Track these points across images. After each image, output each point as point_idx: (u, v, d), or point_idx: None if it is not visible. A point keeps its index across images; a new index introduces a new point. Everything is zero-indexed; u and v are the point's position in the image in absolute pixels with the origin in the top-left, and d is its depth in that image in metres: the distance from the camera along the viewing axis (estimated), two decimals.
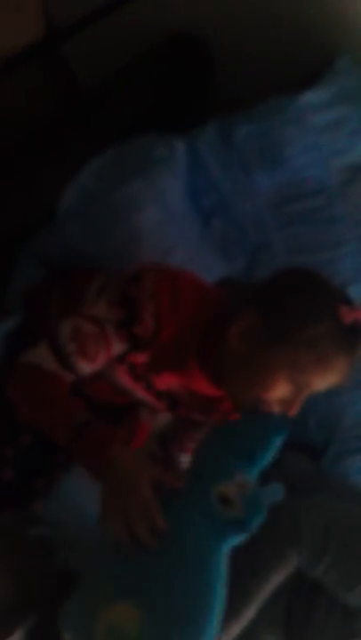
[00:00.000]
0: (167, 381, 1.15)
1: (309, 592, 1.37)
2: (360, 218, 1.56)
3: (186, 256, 1.54)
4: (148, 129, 1.55)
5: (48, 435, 1.02)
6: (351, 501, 1.48)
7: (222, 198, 1.59)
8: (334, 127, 1.47)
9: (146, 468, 0.96)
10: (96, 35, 1.78)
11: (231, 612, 1.29)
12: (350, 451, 1.76)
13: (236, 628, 1.34)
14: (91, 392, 1.22)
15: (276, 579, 1.34)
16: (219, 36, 1.69)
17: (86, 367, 1.06)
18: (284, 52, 1.66)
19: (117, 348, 1.08)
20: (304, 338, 1.00)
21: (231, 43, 1.69)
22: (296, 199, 1.56)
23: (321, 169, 1.51)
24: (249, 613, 1.35)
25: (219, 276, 1.64)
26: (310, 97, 1.45)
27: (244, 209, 1.59)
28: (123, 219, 1.47)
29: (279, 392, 1.03)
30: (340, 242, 1.57)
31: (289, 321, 1.02)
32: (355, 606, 1.35)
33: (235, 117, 1.53)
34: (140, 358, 1.11)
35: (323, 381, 1.04)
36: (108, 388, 1.23)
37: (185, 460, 1.32)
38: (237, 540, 1.00)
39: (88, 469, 0.97)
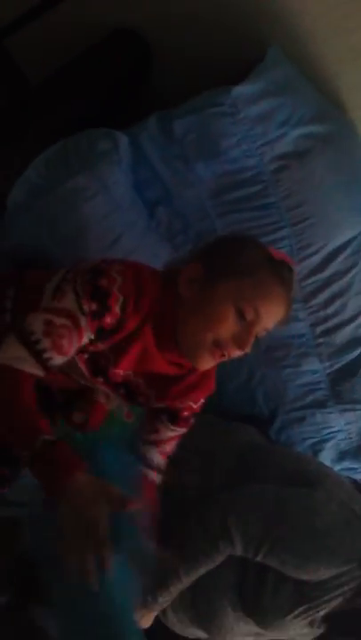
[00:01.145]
0: (125, 368, 1.16)
1: (257, 564, 1.39)
2: (293, 204, 1.58)
3: (133, 245, 1.56)
4: (93, 123, 1.54)
5: (4, 434, 0.98)
6: (289, 478, 1.49)
7: (165, 189, 1.60)
8: (266, 118, 1.48)
9: (105, 495, 0.89)
10: (41, 31, 1.78)
11: (161, 585, 1.36)
12: (294, 421, 1.82)
13: (166, 600, 1.38)
14: (47, 380, 1.20)
15: (206, 568, 1.37)
16: (156, 34, 1.71)
17: (60, 360, 1.04)
18: (219, 47, 1.67)
19: (86, 338, 1.08)
20: (240, 268, 1.09)
21: (169, 39, 1.70)
22: (234, 188, 1.56)
23: (255, 158, 1.52)
24: (176, 591, 1.38)
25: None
26: (243, 89, 1.46)
27: (187, 199, 1.60)
28: (70, 211, 1.47)
29: (230, 327, 1.07)
30: (276, 227, 1.59)
31: (226, 259, 1.12)
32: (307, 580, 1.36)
33: (174, 111, 1.53)
34: (100, 347, 1.11)
35: (267, 312, 1.09)
36: (63, 377, 1.23)
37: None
38: None
39: (43, 487, 0.92)
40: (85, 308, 1.04)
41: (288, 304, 1.13)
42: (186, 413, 1.30)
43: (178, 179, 1.59)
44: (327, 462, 1.84)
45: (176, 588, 1.40)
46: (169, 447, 1.34)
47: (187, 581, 1.39)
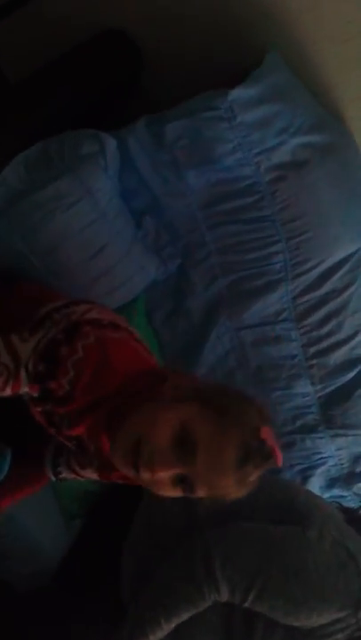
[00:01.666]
0: (78, 433, 1.07)
1: (246, 612, 1.28)
2: (290, 217, 1.47)
3: (117, 256, 1.45)
4: (78, 125, 1.42)
5: None
6: (277, 512, 1.40)
7: (154, 198, 1.50)
8: (264, 125, 1.38)
9: None
10: (23, 29, 1.67)
11: (140, 632, 1.25)
12: (282, 446, 1.70)
13: None
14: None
15: (189, 614, 1.26)
16: (149, 35, 1.60)
17: None
18: (215, 50, 1.57)
19: (26, 390, 1.04)
20: (224, 408, 0.95)
21: (161, 41, 1.60)
22: (227, 198, 1.46)
23: (251, 168, 1.41)
24: (156, 638, 1.27)
25: (152, 277, 1.56)
26: (240, 93, 1.35)
27: (176, 209, 1.50)
28: (49, 219, 1.35)
29: (160, 437, 0.92)
30: (271, 241, 1.49)
31: (218, 393, 0.99)
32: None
33: (165, 114, 1.42)
34: (58, 410, 1.04)
35: (207, 462, 0.92)
36: None
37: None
38: None
39: None
40: (30, 365, 1.01)
41: (233, 482, 0.93)
42: None
43: (167, 187, 1.48)
44: (316, 489, 1.75)
45: (155, 636, 1.28)
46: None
47: (167, 628, 1.27)
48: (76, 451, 1.14)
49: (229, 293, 1.57)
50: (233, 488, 0.93)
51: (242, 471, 0.91)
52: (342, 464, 1.75)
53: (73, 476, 1.24)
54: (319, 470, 1.76)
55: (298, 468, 1.75)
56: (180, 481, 0.90)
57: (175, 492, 0.92)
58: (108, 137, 1.41)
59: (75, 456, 1.20)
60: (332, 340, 1.62)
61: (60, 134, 1.42)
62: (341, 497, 1.79)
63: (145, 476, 0.90)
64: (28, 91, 1.48)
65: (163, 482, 0.91)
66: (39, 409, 1.07)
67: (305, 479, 1.75)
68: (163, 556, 1.35)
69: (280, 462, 0.98)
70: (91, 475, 1.18)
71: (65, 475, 1.24)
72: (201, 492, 0.92)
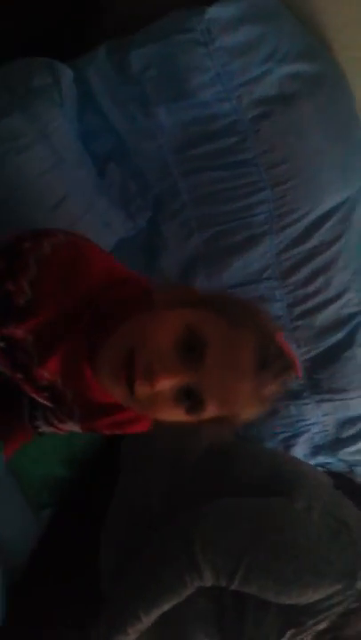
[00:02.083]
0: (51, 370, 0.89)
1: (236, 593, 1.17)
2: (275, 160, 1.29)
3: (78, 211, 1.27)
4: (27, 53, 1.21)
5: None
6: (263, 483, 1.29)
7: (119, 141, 1.30)
8: (247, 50, 1.18)
9: None
10: None
11: (118, 628, 1.16)
12: (263, 414, 1.61)
13: None
14: None
15: (170, 604, 1.15)
16: None
17: None
18: None
19: None
20: (229, 311, 0.80)
21: None
22: (204, 140, 1.27)
23: (231, 103, 1.22)
24: (136, 633, 1.17)
25: (120, 235, 1.37)
26: (218, 11, 1.14)
27: (145, 153, 1.30)
28: (2, 161, 1.16)
29: (161, 340, 0.77)
30: (254, 189, 1.31)
31: (224, 301, 0.85)
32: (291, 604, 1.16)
33: (130, 40, 1.21)
34: (19, 333, 0.87)
35: (218, 366, 0.76)
36: None
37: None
38: None
39: None
40: None
41: (248, 393, 0.78)
42: (106, 433, 1.03)
43: (134, 127, 1.28)
44: (300, 457, 1.65)
45: (135, 629, 1.17)
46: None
47: (147, 621, 1.16)
48: (53, 404, 0.97)
49: (207, 250, 1.39)
50: (247, 401, 0.77)
51: (260, 378, 0.76)
52: (327, 430, 1.64)
53: (52, 429, 1.08)
54: (303, 438, 1.64)
55: (281, 436, 1.63)
56: (186, 395, 0.75)
57: (178, 414, 0.76)
58: (64, 67, 1.20)
59: (52, 411, 1.03)
60: (320, 298, 1.47)
61: (4, 64, 1.20)
62: (327, 464, 1.70)
63: (142, 392, 0.73)
64: None
65: (164, 398, 0.75)
66: (2, 344, 0.89)
67: (288, 448, 1.64)
68: (143, 540, 1.23)
69: (300, 373, 0.87)
70: (72, 427, 1.01)
71: (44, 429, 1.08)
72: (210, 408, 0.75)
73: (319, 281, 1.44)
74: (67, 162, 1.24)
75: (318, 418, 1.61)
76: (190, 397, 0.74)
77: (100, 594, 1.28)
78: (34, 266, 0.83)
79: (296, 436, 1.63)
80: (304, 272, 1.43)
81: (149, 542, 1.22)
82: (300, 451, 1.65)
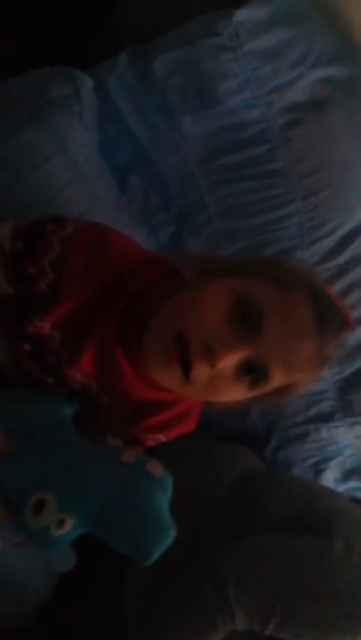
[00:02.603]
0: (83, 369, 0.82)
1: (269, 638, 1.10)
2: (306, 171, 1.23)
3: None
4: (46, 62, 1.15)
5: None
6: (297, 519, 1.22)
7: (141, 152, 1.24)
8: (277, 54, 1.12)
9: None
10: None
11: None
12: (294, 438, 1.53)
13: None
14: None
15: None
16: None
17: None
18: None
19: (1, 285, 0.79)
20: (275, 275, 0.78)
21: None
22: (231, 150, 1.21)
23: (261, 110, 1.16)
24: None
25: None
26: (247, 14, 1.08)
27: (169, 165, 1.24)
28: (15, 179, 1.10)
29: (212, 317, 0.72)
30: (283, 200, 1.25)
31: (266, 264, 0.85)
32: None
33: (152, 45, 1.15)
34: (44, 329, 0.80)
35: (278, 334, 0.72)
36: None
37: None
38: None
39: None
40: (6, 244, 0.78)
41: (312, 353, 0.75)
42: (150, 443, 0.95)
43: (157, 137, 1.21)
44: (330, 483, 1.58)
45: None
46: None
47: None
48: (86, 411, 0.90)
49: None
50: (311, 362, 0.74)
51: (321, 336, 0.73)
52: (359, 454, 1.56)
53: None
54: (334, 462, 1.57)
55: (311, 461, 1.56)
56: (248, 369, 0.70)
57: (242, 391, 0.73)
58: (83, 76, 1.14)
59: (86, 424, 0.95)
60: (353, 315, 1.40)
61: (21, 74, 1.15)
62: (358, 489, 1.62)
63: (201, 374, 0.69)
64: None
65: (224, 377, 0.70)
66: (28, 344, 0.81)
67: (318, 473, 1.57)
68: (169, 580, 1.16)
69: (351, 325, 0.84)
70: (113, 441, 0.95)
71: None
72: (276, 377, 0.72)
73: (353, 297, 1.37)
74: (86, 176, 1.18)
75: (350, 441, 1.54)
76: (252, 371, 0.70)
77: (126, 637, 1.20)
78: (57, 246, 0.78)
79: (327, 460, 1.56)
80: (337, 287, 1.35)
81: (177, 581, 1.15)
82: (330, 475, 1.58)
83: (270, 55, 1.13)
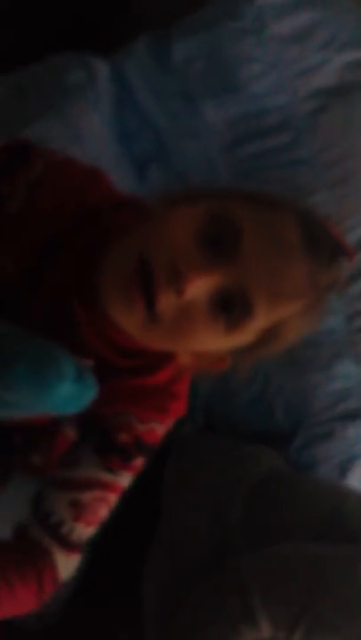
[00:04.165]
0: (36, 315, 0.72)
1: None
2: (333, 158, 1.20)
3: None
4: (60, 48, 1.15)
5: None
6: (323, 525, 1.20)
7: (160, 141, 1.21)
8: (302, 37, 1.10)
9: None
10: None
11: None
12: (320, 436, 1.51)
13: None
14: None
15: None
16: None
17: None
18: None
19: None
20: (255, 196, 0.68)
21: None
22: (255, 137, 1.18)
23: (286, 95, 1.14)
24: None
25: None
26: None
27: (189, 153, 1.21)
28: None
29: (179, 239, 0.61)
30: (309, 190, 1.21)
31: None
32: None
33: (171, 30, 1.14)
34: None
35: (257, 260, 0.61)
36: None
37: None
38: None
39: None
40: None
41: (301, 279, 0.63)
42: (124, 439, 0.74)
43: (177, 126, 1.19)
44: (356, 483, 1.56)
45: None
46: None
47: None
48: None
49: None
50: (300, 291, 0.62)
51: (311, 259, 0.62)
52: None
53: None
54: (360, 461, 1.54)
55: (336, 460, 1.54)
56: (224, 300, 0.59)
57: (220, 332, 0.60)
58: (99, 62, 1.13)
59: None
60: None
61: (37, 61, 1.15)
62: None
63: (167, 304, 0.57)
64: None
65: (198, 312, 0.59)
66: None
67: (344, 472, 1.55)
68: (190, 583, 1.16)
69: (354, 258, 0.69)
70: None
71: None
72: (260, 311, 0.60)
73: None
74: (102, 166, 1.17)
75: None
76: (230, 300, 0.59)
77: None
78: (40, 166, 0.71)
79: (353, 459, 1.53)
80: None
81: (200, 583, 1.15)
82: (357, 474, 1.54)
83: (296, 38, 1.11)
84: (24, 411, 0.65)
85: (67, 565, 0.74)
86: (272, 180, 1.21)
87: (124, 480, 0.75)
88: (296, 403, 1.48)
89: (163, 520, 1.29)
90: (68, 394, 0.61)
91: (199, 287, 0.57)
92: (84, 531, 0.74)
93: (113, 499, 0.75)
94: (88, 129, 1.12)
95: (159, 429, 0.76)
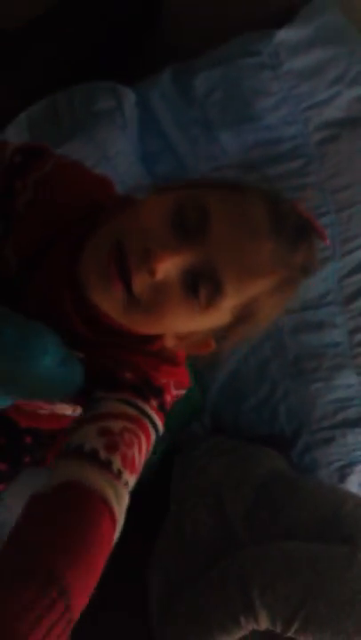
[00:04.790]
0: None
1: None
2: (340, 185, 1.26)
3: None
4: (90, 77, 1.21)
5: None
6: (321, 526, 1.23)
7: (180, 164, 1.28)
8: (315, 73, 1.15)
9: None
10: None
11: None
12: (320, 442, 1.54)
13: None
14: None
15: None
16: None
17: None
18: None
19: None
20: (225, 181, 0.70)
21: None
22: (268, 163, 1.24)
23: (298, 126, 1.19)
24: None
25: None
26: (288, 35, 1.12)
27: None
28: None
29: (152, 222, 0.63)
30: (317, 213, 1.27)
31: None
32: None
33: (194, 63, 1.19)
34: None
35: (224, 245, 0.62)
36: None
37: None
38: None
39: None
40: (8, 155, 0.74)
41: (269, 257, 0.62)
42: (130, 377, 0.71)
43: (197, 150, 1.25)
44: (355, 487, 1.59)
45: None
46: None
47: None
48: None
49: None
50: (269, 268, 0.62)
51: (278, 236, 0.62)
52: None
53: None
54: (359, 467, 1.57)
55: (336, 465, 1.57)
56: (194, 280, 0.60)
57: (194, 310, 0.61)
58: (127, 90, 1.19)
59: None
60: None
61: (68, 87, 1.20)
62: None
63: (142, 283, 0.59)
64: (29, 34, 1.24)
65: (171, 290, 0.60)
66: None
67: (343, 477, 1.58)
68: (195, 575, 1.20)
69: (326, 239, 0.72)
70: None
71: None
72: (230, 286, 0.60)
73: None
74: (127, 184, 1.23)
75: None
76: (200, 279, 0.60)
77: (149, 624, 1.25)
78: (49, 166, 0.72)
79: (352, 464, 1.57)
80: None
81: (204, 573, 1.19)
82: (355, 479, 1.58)
83: (309, 74, 1.16)
84: (9, 387, 0.64)
85: (117, 496, 0.60)
86: None
87: (148, 421, 0.68)
88: (299, 409, 1.52)
89: (170, 514, 1.32)
90: (52, 371, 0.62)
91: (169, 266, 0.58)
92: (122, 466, 0.62)
93: (143, 440, 0.66)
94: (115, 150, 1.18)
95: (163, 381, 0.72)
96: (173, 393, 0.74)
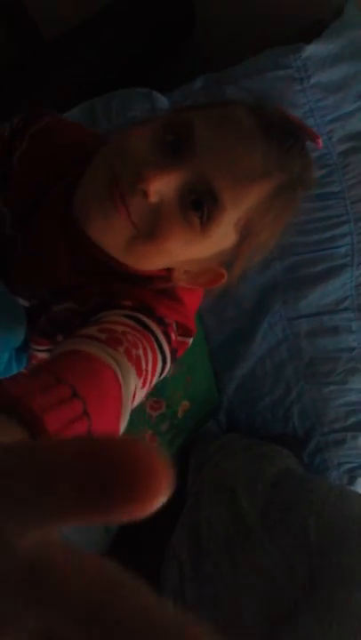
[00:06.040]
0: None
1: None
2: (360, 195, 1.28)
3: None
4: (125, 84, 1.24)
5: None
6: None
7: None
8: (341, 87, 1.17)
9: None
10: None
11: None
12: (331, 443, 1.57)
13: None
14: None
15: None
16: None
17: None
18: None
19: None
20: (211, 101, 0.70)
21: None
22: None
23: (322, 137, 1.21)
24: None
25: None
26: (317, 49, 1.14)
27: None
28: None
29: (144, 147, 0.61)
30: (338, 221, 1.30)
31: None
32: None
33: (226, 74, 1.22)
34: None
35: (215, 161, 0.60)
36: None
37: None
38: None
39: None
40: (15, 122, 0.74)
41: (259, 159, 0.60)
42: (128, 303, 0.66)
43: None
44: None
45: None
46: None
47: None
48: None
49: (285, 278, 1.39)
50: (261, 171, 0.59)
51: (268, 138, 0.60)
52: None
53: None
54: None
55: (346, 467, 1.59)
56: (192, 198, 0.58)
57: (195, 230, 0.59)
58: (161, 96, 1.22)
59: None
60: None
61: (104, 93, 1.24)
62: None
63: (139, 207, 0.57)
64: (69, 42, 1.28)
65: (170, 211, 0.58)
66: None
67: (352, 479, 1.60)
68: (209, 573, 1.18)
69: (317, 137, 0.70)
70: None
71: None
72: (226, 195, 0.58)
73: None
74: None
75: None
76: (197, 195, 0.58)
77: None
78: (45, 121, 0.73)
79: None
80: None
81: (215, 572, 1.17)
82: None
83: (335, 87, 1.18)
84: None
85: (122, 369, 0.51)
86: (305, 211, 1.30)
87: (152, 336, 0.62)
88: (312, 411, 1.54)
89: (186, 508, 1.33)
90: None
91: (162, 186, 0.56)
92: (127, 361, 0.54)
93: (149, 352, 0.60)
94: None
95: (165, 314, 0.67)
96: (177, 338, 0.68)
